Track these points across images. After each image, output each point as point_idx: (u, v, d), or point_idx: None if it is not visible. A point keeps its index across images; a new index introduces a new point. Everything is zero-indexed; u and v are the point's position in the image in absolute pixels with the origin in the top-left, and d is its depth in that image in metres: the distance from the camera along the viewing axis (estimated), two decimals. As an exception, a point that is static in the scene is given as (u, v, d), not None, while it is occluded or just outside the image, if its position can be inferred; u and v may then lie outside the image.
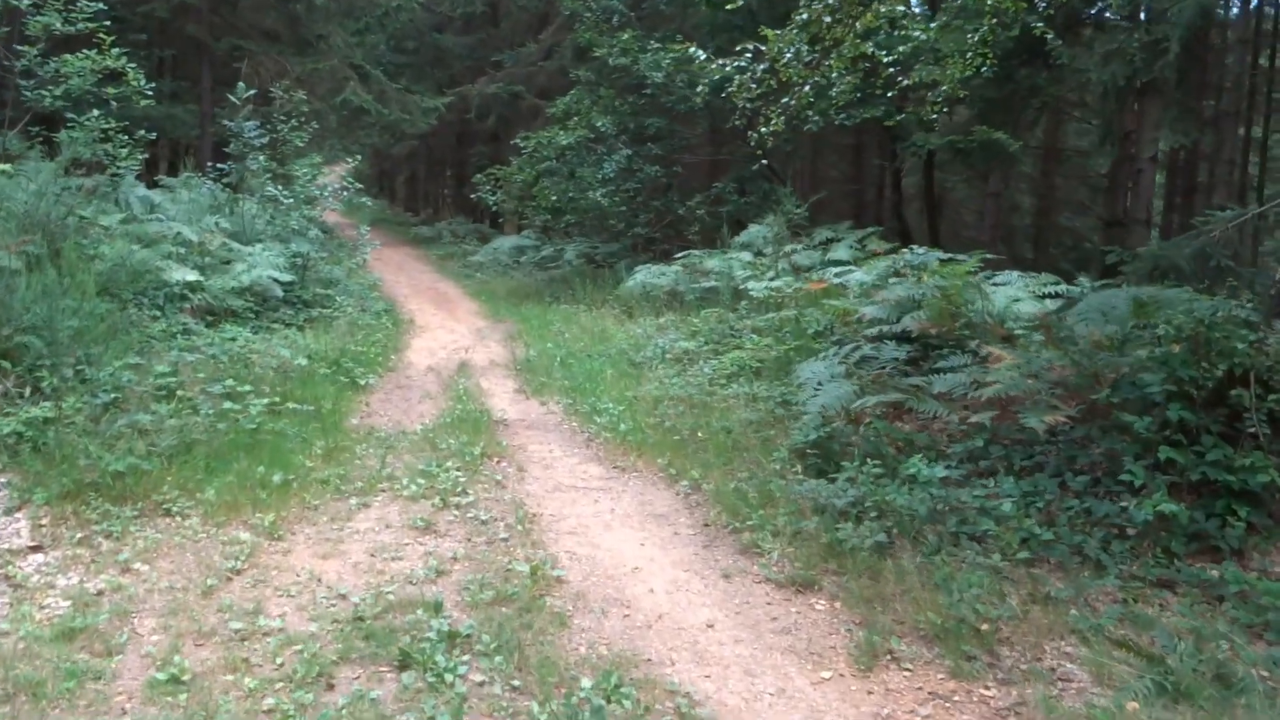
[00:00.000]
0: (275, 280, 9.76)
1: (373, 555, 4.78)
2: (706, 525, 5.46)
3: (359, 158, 13.98)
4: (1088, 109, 20.05)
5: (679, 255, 13.46)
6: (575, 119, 16.36)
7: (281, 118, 13.35)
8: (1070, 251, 29.24)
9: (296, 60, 16.66)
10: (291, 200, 11.28)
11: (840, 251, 12.89)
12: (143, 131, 9.28)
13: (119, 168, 9.01)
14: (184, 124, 18.37)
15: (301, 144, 13.20)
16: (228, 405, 6.11)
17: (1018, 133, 13.94)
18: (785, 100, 7.38)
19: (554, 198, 15.73)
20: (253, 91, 11.45)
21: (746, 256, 12.56)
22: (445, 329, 13.09)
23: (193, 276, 8.77)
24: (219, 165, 11.64)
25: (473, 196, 18.09)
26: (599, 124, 15.68)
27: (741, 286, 10.59)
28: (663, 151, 16.08)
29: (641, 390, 8.55)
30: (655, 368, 9.44)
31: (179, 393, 6.39)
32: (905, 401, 6.13)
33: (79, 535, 4.72)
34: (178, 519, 5.05)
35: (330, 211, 15.54)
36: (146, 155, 9.31)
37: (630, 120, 16.24)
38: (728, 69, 7.46)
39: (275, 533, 4.97)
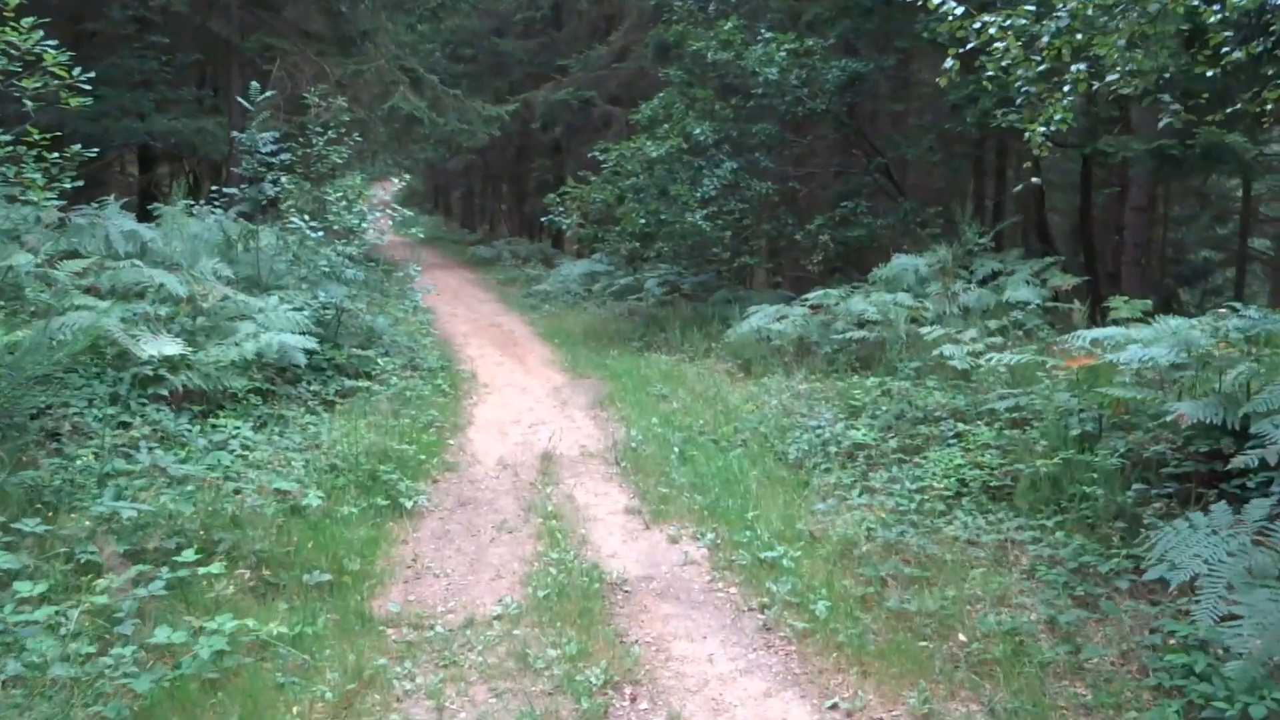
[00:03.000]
0: (295, 346, 7.16)
1: None
2: None
3: (408, 176, 11.24)
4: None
5: (811, 295, 10.64)
6: (665, 126, 13.64)
7: (317, 129, 10.80)
8: (1172, 264, 25.92)
9: (338, 61, 14.19)
10: (322, 234, 8.74)
11: (1020, 290, 9.99)
12: (77, 147, 6.66)
13: (32, 200, 6.41)
14: (216, 140, 16.05)
15: (341, 160, 10.64)
16: (164, 636, 3.42)
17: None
18: (1111, 78, 4.57)
19: (642, 220, 13.01)
20: (270, 93, 8.91)
21: (904, 298, 9.72)
22: (515, 388, 10.44)
23: (174, 349, 6.19)
24: (225, 190, 9.10)
25: (543, 220, 15.44)
26: (696, 132, 12.95)
27: (938, 351, 7.72)
28: (773, 164, 13.30)
29: (817, 517, 5.78)
30: (820, 470, 6.65)
31: (97, 584, 3.74)
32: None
33: None
34: None
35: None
36: (80, 180, 6.73)
37: (732, 127, 13.49)
38: (993, 30, 4.68)
39: None
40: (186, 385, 6.31)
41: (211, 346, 6.75)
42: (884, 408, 7.53)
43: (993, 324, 9.27)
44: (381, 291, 11.43)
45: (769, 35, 12.64)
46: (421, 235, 10.35)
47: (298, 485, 5.26)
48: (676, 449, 7.49)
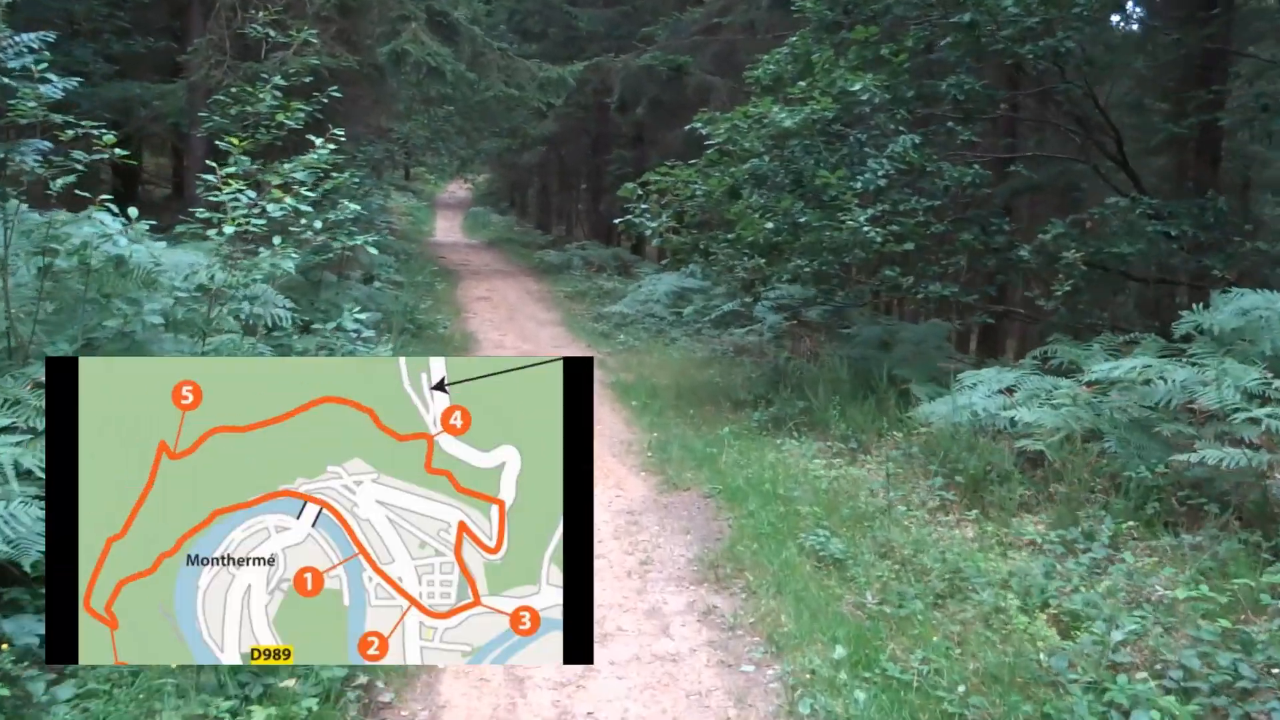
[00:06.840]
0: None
1: None
2: None
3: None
4: None
5: (1102, 368, 5.95)
6: (802, 85, 8.99)
7: (271, 79, 6.44)
8: None
9: (316, -13, 9.96)
10: (160, 239, 4.39)
11: None
12: None
13: None
14: (178, 103, 11.97)
15: (297, 125, 6.26)
16: None
17: None
18: None
19: (769, 226, 8.40)
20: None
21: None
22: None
23: None
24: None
25: (616, 222, 10.93)
26: (855, 88, 8.30)
27: None
28: (977, 138, 8.58)
29: None
30: None
31: None
32: None
33: None
34: None
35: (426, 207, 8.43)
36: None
37: (908, 84, 8.84)
38: None
39: None
40: None
41: None
42: None
43: None
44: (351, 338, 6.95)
45: (980, -68, 7.96)
46: (374, 249, 5.88)
47: None
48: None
